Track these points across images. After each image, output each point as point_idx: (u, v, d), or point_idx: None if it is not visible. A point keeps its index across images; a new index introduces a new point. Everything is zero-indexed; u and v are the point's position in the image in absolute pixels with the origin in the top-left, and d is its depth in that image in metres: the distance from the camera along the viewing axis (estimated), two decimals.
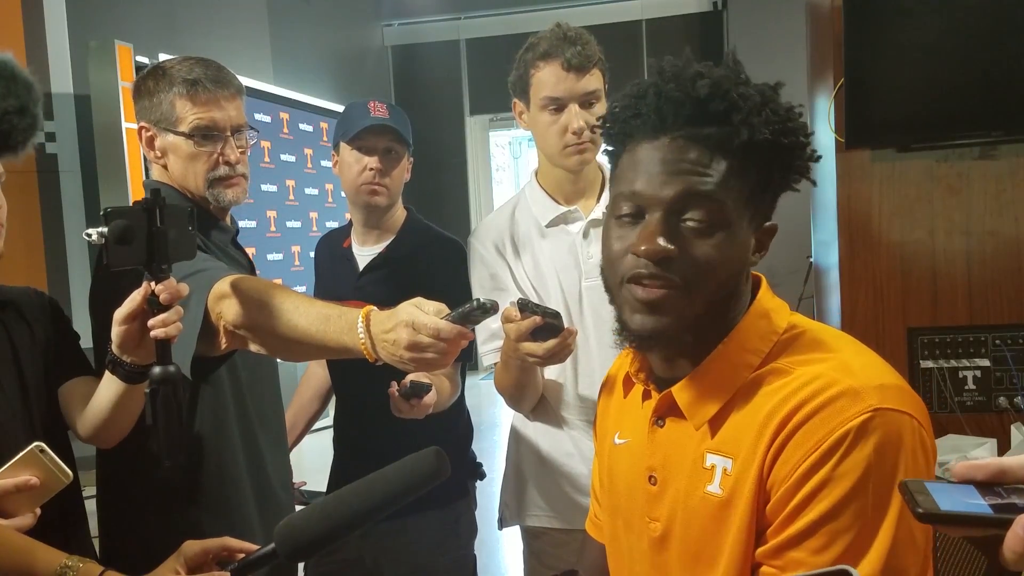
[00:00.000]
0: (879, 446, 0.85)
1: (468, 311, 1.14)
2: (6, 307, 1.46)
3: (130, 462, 1.52)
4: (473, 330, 1.21)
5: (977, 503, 0.60)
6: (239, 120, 1.64)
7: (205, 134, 1.59)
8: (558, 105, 1.74)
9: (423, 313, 1.14)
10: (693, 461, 0.98)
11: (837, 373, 0.90)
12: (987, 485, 0.61)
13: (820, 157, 1.02)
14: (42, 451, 1.23)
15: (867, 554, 0.86)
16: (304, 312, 1.25)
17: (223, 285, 1.33)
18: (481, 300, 1.13)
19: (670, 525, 1.00)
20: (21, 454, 1.23)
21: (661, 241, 0.93)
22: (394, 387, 1.64)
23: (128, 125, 3.73)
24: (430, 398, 1.66)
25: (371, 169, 1.95)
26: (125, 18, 4.30)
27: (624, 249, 0.97)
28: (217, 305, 1.32)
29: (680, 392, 0.99)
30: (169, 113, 1.59)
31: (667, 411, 1.02)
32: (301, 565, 2.00)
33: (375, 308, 1.21)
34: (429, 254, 1.99)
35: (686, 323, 0.95)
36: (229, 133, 1.61)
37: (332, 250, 2.12)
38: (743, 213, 0.96)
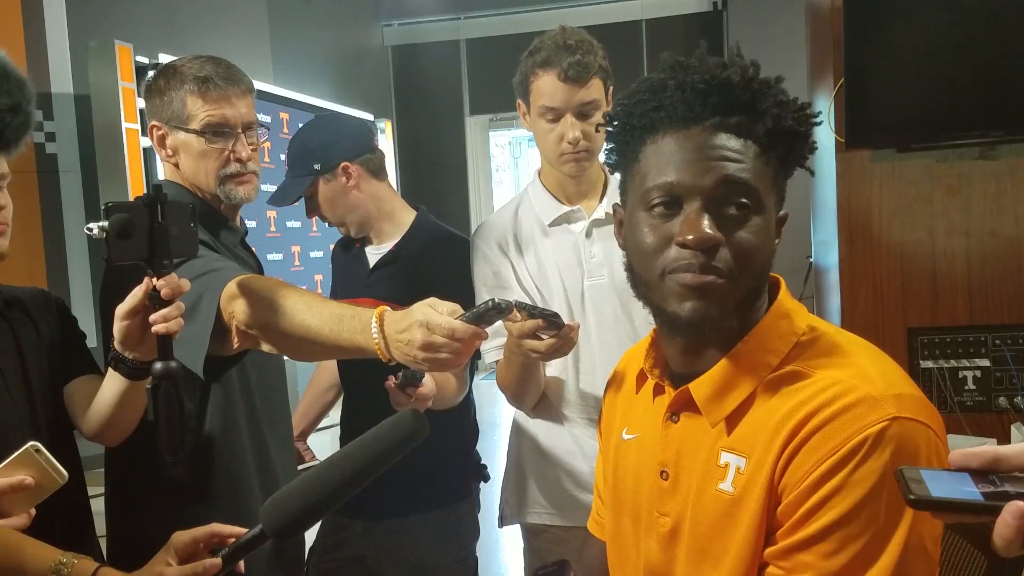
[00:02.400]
0: (895, 454, 0.85)
1: (483, 311, 1.13)
2: (12, 306, 1.46)
3: (138, 461, 1.53)
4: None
5: (969, 490, 0.61)
6: (250, 117, 1.64)
7: (216, 131, 1.59)
8: (554, 115, 1.74)
9: (437, 313, 1.13)
10: (707, 458, 0.98)
11: (856, 380, 0.90)
12: (982, 473, 0.62)
13: (816, 147, 1.03)
14: (37, 451, 1.22)
15: (877, 562, 0.85)
16: (317, 312, 1.25)
17: (235, 285, 1.33)
18: (496, 300, 1.13)
19: (680, 521, 1.00)
20: (16, 454, 1.22)
21: (707, 228, 0.93)
22: (391, 380, 1.64)
23: (128, 125, 3.71)
24: (428, 390, 1.66)
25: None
26: (125, 18, 4.28)
27: (662, 240, 0.96)
28: (229, 305, 1.32)
29: (697, 388, 0.99)
30: (180, 111, 1.59)
31: (682, 407, 1.02)
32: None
33: (388, 308, 1.20)
34: (437, 252, 1.99)
35: (731, 309, 0.96)
36: (240, 130, 1.62)
37: (346, 248, 2.14)
38: (771, 199, 0.97)
